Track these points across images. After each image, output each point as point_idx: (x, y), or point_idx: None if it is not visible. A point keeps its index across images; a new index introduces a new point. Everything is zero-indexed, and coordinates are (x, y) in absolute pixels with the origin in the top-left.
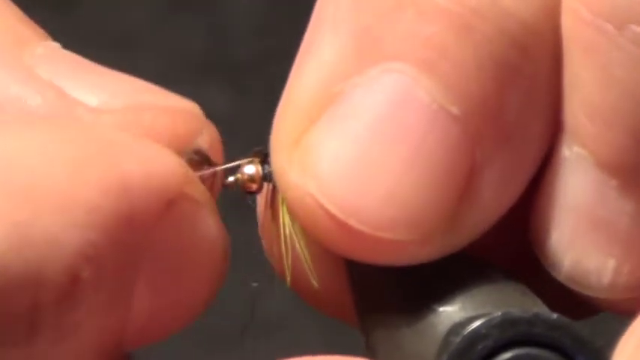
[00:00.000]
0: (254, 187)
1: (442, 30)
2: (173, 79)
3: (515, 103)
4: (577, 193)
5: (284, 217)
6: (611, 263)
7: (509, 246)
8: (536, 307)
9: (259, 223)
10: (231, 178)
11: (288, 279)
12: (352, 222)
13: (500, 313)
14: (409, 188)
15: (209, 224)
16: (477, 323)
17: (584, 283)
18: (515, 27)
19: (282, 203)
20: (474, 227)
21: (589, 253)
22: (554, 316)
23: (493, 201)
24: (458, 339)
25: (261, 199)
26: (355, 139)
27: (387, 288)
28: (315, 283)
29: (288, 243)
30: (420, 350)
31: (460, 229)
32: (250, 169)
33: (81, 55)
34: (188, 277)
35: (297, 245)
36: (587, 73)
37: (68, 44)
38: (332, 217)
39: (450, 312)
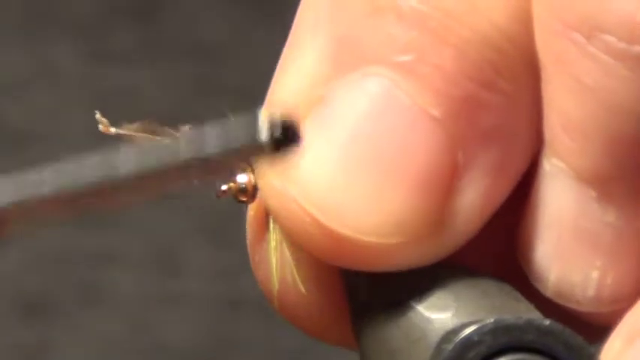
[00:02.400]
0: (246, 197)
1: (421, 34)
2: (254, 91)
3: (496, 105)
4: (558, 206)
5: (274, 230)
6: (594, 275)
7: (499, 261)
8: (529, 313)
9: (248, 237)
10: (224, 187)
11: (276, 294)
12: (335, 225)
13: (492, 320)
14: (391, 191)
15: None
16: (469, 330)
17: (570, 297)
18: (492, 31)
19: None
20: (461, 230)
21: (573, 265)
22: (547, 322)
23: (478, 202)
24: (450, 346)
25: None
26: (336, 142)
27: (379, 296)
28: (302, 289)
29: (277, 255)
30: (412, 358)
31: (447, 232)
32: (243, 177)
33: (160, 63)
34: None
35: (286, 256)
36: (560, 84)
37: (148, 53)
38: (315, 221)
39: (442, 319)
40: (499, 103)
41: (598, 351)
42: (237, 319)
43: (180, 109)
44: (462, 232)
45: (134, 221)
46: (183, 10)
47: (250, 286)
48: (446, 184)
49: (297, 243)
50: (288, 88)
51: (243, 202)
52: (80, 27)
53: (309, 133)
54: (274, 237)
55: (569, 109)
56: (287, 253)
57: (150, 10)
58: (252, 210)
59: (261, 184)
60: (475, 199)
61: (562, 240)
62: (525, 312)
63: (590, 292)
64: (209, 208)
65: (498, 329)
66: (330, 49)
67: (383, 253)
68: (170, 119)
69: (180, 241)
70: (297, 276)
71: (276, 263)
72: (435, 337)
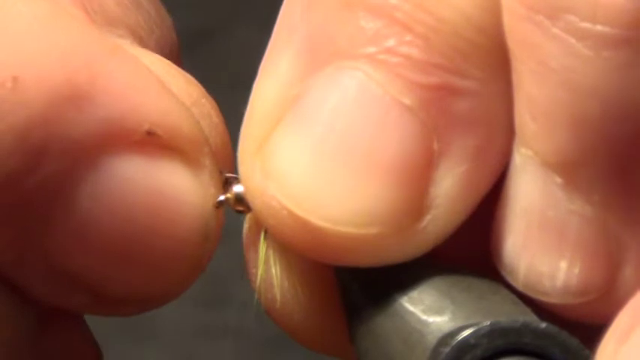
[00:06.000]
0: (243, 207)
1: (389, 25)
2: None
3: (468, 92)
4: (527, 196)
5: (263, 238)
6: (562, 265)
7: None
8: (525, 316)
9: (244, 246)
10: (221, 197)
11: (262, 298)
12: (313, 218)
13: (488, 323)
14: (366, 181)
15: (180, 183)
16: (465, 333)
17: (539, 289)
18: (462, 21)
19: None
20: (442, 219)
21: (541, 256)
22: (543, 325)
23: (456, 190)
24: (447, 349)
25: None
26: (309, 137)
27: (375, 299)
28: (278, 299)
29: (269, 262)
30: None
31: (427, 221)
32: (239, 188)
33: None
34: (126, 248)
35: (272, 264)
36: (526, 68)
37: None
38: (295, 216)
39: (439, 322)
40: (471, 91)
41: (593, 353)
42: (283, 352)
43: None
44: (443, 221)
45: None
46: (232, 41)
47: None
48: (421, 172)
49: (282, 241)
50: (266, 93)
51: (240, 212)
52: None
53: (285, 131)
54: (264, 245)
55: (535, 93)
56: (278, 262)
57: (199, 41)
58: (247, 223)
59: (245, 188)
60: (453, 187)
61: (530, 230)
62: (522, 315)
63: (559, 282)
64: None
65: (494, 332)
66: (304, 48)
67: (363, 244)
68: None
69: (227, 275)
70: (286, 284)
71: (266, 271)
72: (432, 340)
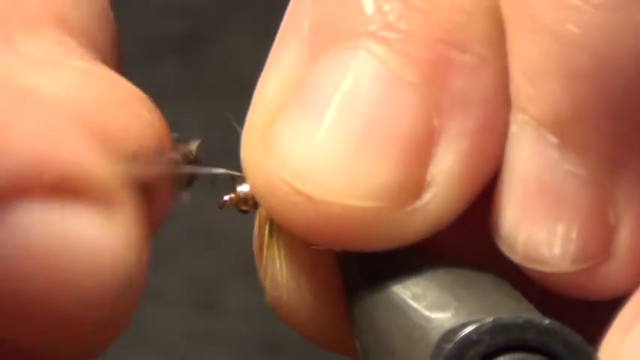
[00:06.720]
0: (247, 207)
1: (389, 0)
2: None
3: (469, 67)
4: (524, 162)
5: (267, 233)
6: (559, 230)
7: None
8: (528, 312)
9: (255, 244)
10: (226, 197)
11: (270, 299)
12: (315, 192)
13: (491, 319)
14: (369, 156)
15: (96, 232)
16: (468, 329)
17: (537, 258)
18: None
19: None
20: (443, 197)
21: (539, 223)
22: (546, 321)
23: (458, 167)
24: (449, 345)
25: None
26: (313, 115)
27: (379, 295)
28: (284, 296)
29: (274, 258)
30: (412, 356)
31: (428, 199)
32: (244, 187)
33: (200, 98)
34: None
35: (278, 258)
36: (519, 27)
37: (186, 86)
38: (296, 190)
39: (442, 319)
40: (472, 65)
41: (597, 350)
42: (277, 357)
43: (220, 144)
44: (444, 200)
45: (173, 259)
46: (228, 45)
47: (288, 327)
48: (422, 149)
49: (284, 221)
50: (270, 84)
51: (244, 211)
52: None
53: (288, 115)
54: (273, 242)
55: (528, 51)
56: (284, 259)
57: (192, 44)
58: (257, 222)
59: (244, 164)
60: (454, 165)
61: (528, 197)
62: (525, 311)
63: (557, 249)
64: (248, 246)
65: (497, 328)
66: (308, 35)
67: (363, 219)
68: (210, 154)
69: (219, 280)
70: (292, 281)
71: (272, 268)
72: (435, 337)
